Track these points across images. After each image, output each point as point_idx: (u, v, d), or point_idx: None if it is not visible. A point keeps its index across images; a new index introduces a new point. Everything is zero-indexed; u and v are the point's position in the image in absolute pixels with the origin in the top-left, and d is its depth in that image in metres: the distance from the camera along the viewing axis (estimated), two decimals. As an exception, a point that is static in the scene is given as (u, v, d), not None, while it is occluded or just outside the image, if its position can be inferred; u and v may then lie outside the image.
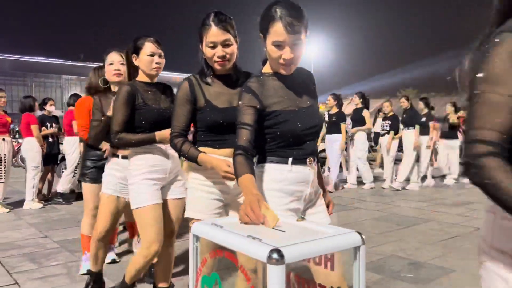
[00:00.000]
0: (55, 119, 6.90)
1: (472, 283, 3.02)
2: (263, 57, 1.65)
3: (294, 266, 1.15)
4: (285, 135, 1.54)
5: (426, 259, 3.57)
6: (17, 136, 14.80)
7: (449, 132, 8.14)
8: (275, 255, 0.93)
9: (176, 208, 2.31)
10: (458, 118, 8.06)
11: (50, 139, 6.57)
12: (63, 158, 8.25)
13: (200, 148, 1.79)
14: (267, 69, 1.62)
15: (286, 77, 1.59)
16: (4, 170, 5.64)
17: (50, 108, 6.70)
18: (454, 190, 7.34)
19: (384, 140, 7.76)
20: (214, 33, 1.75)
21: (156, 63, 2.24)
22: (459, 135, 8.26)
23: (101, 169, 3.12)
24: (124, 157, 2.51)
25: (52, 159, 6.67)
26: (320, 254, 1.07)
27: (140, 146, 2.15)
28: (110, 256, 3.41)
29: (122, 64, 2.62)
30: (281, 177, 1.54)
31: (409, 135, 7.43)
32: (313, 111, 1.64)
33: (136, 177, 2.15)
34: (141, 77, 2.27)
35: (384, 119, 7.94)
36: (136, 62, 2.23)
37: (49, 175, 6.72)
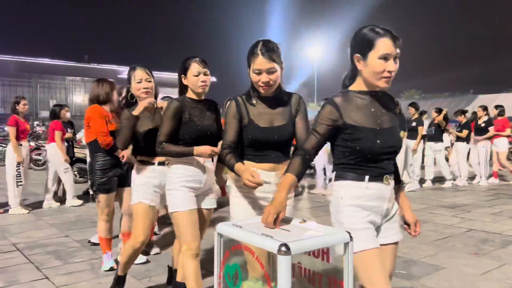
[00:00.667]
0: (70, 124, 7.28)
1: (459, 279, 3.32)
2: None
3: (298, 258, 1.46)
4: (363, 151, 1.65)
5: (419, 257, 3.88)
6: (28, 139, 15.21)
7: (435, 136, 8.43)
8: (283, 248, 1.24)
9: (205, 216, 2.55)
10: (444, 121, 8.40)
11: (66, 144, 6.92)
12: (76, 161, 8.64)
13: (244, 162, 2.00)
14: (355, 87, 1.75)
15: (373, 96, 1.72)
16: (22, 173, 5.98)
17: (64, 114, 7.04)
18: (451, 193, 7.62)
19: None
20: (260, 62, 1.95)
21: (202, 81, 2.42)
22: (445, 138, 8.64)
23: (112, 178, 3.43)
24: (161, 164, 2.72)
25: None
26: (317, 248, 1.38)
27: (180, 158, 2.38)
28: (109, 263, 3.57)
29: (149, 81, 2.79)
30: (358, 194, 1.65)
31: (410, 143, 7.81)
32: (394, 132, 1.73)
33: (175, 184, 2.36)
34: (190, 94, 2.47)
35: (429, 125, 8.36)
36: (184, 81, 2.45)
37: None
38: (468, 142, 8.59)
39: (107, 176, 3.42)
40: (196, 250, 2.32)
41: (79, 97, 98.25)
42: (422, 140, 8.19)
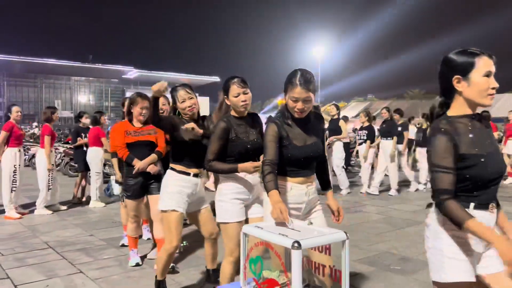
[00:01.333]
0: (88, 130, 7.71)
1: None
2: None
3: (306, 253, 1.87)
4: (473, 178, 1.64)
5: (414, 255, 4.28)
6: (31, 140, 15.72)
7: (423, 141, 8.76)
8: (296, 244, 1.65)
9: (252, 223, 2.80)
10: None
11: (84, 148, 7.36)
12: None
13: (279, 177, 2.23)
14: (454, 112, 1.74)
15: (473, 119, 1.72)
16: (16, 178, 6.11)
17: (85, 120, 7.50)
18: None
19: (361, 149, 8.53)
20: (298, 91, 2.20)
21: (242, 101, 2.62)
22: None
23: (141, 186, 3.71)
24: (195, 175, 2.97)
25: (85, 166, 7.44)
26: (321, 244, 1.79)
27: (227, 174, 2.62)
28: (135, 259, 3.98)
29: (191, 98, 2.97)
30: None
31: (387, 144, 8.07)
32: (498, 155, 1.74)
33: (226, 196, 2.61)
34: (234, 112, 2.68)
35: (361, 129, 8.74)
36: (227, 102, 2.66)
37: (83, 181, 7.49)
38: None
39: (130, 184, 3.73)
40: (237, 258, 2.51)
41: (84, 97, 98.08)
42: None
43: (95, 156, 6.96)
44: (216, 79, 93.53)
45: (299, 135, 2.34)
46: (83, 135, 7.38)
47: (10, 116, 6.20)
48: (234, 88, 2.60)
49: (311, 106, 2.32)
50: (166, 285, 3.16)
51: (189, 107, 2.95)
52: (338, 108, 8.49)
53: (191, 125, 2.83)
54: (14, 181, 6.14)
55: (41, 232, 5.22)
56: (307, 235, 1.78)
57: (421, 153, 8.82)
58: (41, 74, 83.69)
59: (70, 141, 11.92)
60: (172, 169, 2.99)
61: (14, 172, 6.12)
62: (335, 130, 8.12)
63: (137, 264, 3.93)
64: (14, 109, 6.25)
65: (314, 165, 2.46)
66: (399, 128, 8.39)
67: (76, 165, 8.29)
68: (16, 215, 6.04)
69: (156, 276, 3.12)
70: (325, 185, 2.57)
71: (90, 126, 7.31)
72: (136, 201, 3.79)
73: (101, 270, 3.86)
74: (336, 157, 8.12)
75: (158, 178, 3.68)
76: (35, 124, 32.67)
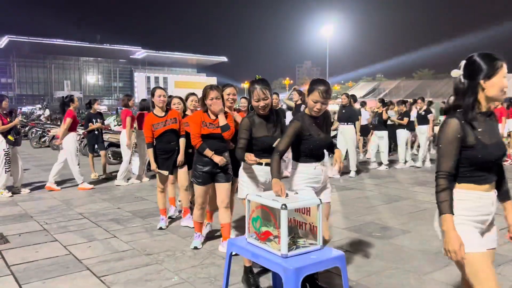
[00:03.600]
0: (100, 115, 8.60)
1: (419, 239, 4.47)
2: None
3: (291, 213, 2.60)
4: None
5: (393, 224, 5.03)
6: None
7: (378, 125, 9.53)
8: (283, 206, 2.38)
9: (326, 210, 3.09)
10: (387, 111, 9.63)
11: (96, 132, 8.30)
12: (109, 145, 9.95)
13: (464, 185, 2.04)
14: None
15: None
16: (7, 162, 6.66)
17: (96, 106, 8.47)
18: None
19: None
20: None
21: (261, 106, 3.19)
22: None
23: (209, 173, 3.89)
24: (267, 164, 3.20)
25: (101, 146, 8.44)
26: (301, 207, 2.52)
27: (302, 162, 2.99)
28: (196, 242, 4.20)
29: (265, 99, 3.22)
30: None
31: (347, 129, 8.63)
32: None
33: (300, 185, 2.95)
34: (307, 110, 3.00)
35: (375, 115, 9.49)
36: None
37: (103, 159, 8.42)
38: (408, 130, 9.70)
39: (205, 170, 3.89)
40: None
41: (93, 78, 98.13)
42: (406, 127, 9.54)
43: (142, 140, 7.44)
44: (223, 59, 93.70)
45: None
46: (94, 120, 8.27)
47: (70, 105, 7.21)
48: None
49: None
50: (253, 271, 3.34)
51: (262, 107, 3.23)
52: (348, 97, 9.01)
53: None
54: (78, 159, 7.27)
55: (74, 206, 6.05)
56: (293, 200, 2.52)
57: (377, 136, 9.65)
58: (50, 54, 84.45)
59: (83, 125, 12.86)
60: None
61: (77, 151, 7.26)
62: (349, 116, 8.62)
63: (195, 248, 4.14)
64: (76, 99, 7.44)
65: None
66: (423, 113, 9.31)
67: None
68: (89, 186, 7.29)
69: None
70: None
71: (122, 109, 8.23)
72: (204, 187, 3.94)
73: (132, 235, 4.66)
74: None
75: (224, 168, 3.93)
76: (38, 106, 33.37)
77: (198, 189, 3.95)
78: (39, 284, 3.37)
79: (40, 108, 28.51)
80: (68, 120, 7.02)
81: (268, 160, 3.13)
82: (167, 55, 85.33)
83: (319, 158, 3.03)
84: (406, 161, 9.78)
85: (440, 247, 2.32)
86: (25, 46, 73.90)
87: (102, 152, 8.46)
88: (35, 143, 14.82)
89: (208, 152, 3.83)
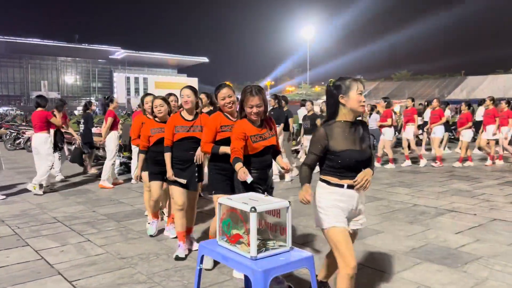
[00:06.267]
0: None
1: (391, 239, 4.57)
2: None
3: (261, 216, 2.64)
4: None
5: (367, 225, 5.12)
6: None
7: (310, 129, 9.55)
8: (253, 209, 2.41)
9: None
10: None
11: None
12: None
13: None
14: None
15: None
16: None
17: (94, 108, 8.69)
18: (412, 174, 8.89)
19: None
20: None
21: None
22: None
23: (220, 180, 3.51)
24: (350, 187, 2.59)
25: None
26: (270, 209, 2.56)
27: None
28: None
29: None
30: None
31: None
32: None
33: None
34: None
35: (304, 119, 9.80)
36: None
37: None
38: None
39: (213, 178, 3.60)
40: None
41: (71, 78, 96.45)
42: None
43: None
44: (204, 59, 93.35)
45: None
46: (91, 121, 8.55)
47: (110, 105, 7.58)
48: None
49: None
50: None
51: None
52: (276, 98, 8.68)
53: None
54: (115, 157, 7.80)
55: (49, 209, 5.96)
56: (262, 203, 2.56)
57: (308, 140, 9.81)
58: (26, 54, 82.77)
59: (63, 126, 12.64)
60: (325, 181, 2.68)
61: (117, 149, 7.80)
62: (277, 118, 8.13)
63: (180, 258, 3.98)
64: (115, 99, 7.85)
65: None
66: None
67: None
68: (110, 185, 7.58)
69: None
70: None
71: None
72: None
73: (106, 238, 4.63)
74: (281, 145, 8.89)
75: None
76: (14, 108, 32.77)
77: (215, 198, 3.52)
78: (9, 290, 3.32)
79: (14, 109, 27.95)
80: (109, 120, 7.47)
81: (351, 182, 2.59)
82: (147, 55, 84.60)
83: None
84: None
85: (410, 247, 2.42)
86: (1, 45, 72.22)
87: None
88: (9, 145, 14.50)
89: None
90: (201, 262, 2.80)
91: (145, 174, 4.69)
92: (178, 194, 3.97)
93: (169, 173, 3.94)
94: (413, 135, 10.27)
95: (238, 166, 3.06)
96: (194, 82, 78.04)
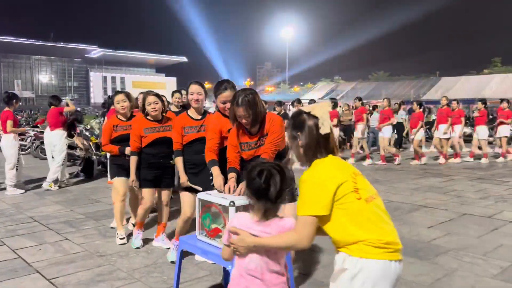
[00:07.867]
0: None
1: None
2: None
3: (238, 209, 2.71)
4: None
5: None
6: None
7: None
8: (231, 203, 2.48)
9: None
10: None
11: None
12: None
13: None
14: None
15: None
16: None
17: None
18: (386, 172, 9.12)
19: None
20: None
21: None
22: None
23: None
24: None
25: None
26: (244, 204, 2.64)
27: None
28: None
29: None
30: None
31: None
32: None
33: None
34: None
35: None
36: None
37: None
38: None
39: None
40: None
41: (46, 77, 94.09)
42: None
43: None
44: (183, 59, 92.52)
45: None
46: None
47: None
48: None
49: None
50: None
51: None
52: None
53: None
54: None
55: (25, 209, 5.87)
56: (239, 200, 2.63)
57: None
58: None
59: (39, 125, 12.37)
60: None
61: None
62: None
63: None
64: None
65: None
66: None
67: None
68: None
69: None
70: None
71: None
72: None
73: (84, 237, 4.61)
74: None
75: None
76: None
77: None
78: (-15, 289, 3.29)
79: None
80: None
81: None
82: (124, 54, 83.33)
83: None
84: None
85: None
86: (-29, 43, 70.14)
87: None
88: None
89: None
90: (181, 257, 2.86)
91: (118, 179, 4.52)
92: (189, 204, 3.59)
93: (183, 179, 3.59)
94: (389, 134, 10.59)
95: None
96: (172, 81, 77.42)
